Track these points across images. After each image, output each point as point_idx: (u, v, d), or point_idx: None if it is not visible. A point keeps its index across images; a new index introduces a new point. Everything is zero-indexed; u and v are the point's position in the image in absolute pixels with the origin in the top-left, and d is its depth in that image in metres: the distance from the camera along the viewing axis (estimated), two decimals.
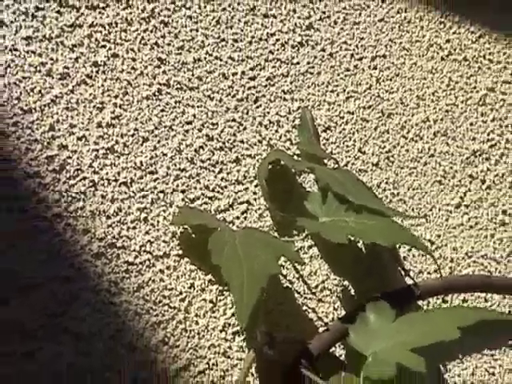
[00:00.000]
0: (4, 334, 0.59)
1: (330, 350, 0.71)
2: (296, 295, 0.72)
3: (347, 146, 0.78)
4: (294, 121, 0.75)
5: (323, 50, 0.78)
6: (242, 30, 0.74)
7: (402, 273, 0.77)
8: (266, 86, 0.75)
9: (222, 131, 0.71)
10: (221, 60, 0.73)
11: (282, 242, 0.70)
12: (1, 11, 0.63)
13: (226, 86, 0.72)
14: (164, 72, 0.70)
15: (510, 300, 0.82)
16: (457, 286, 0.79)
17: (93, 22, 0.67)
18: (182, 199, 0.68)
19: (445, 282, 0.77)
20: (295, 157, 0.74)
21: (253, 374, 0.68)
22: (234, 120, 0.72)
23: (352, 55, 0.80)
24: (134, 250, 0.65)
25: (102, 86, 0.67)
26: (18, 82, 0.63)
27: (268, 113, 0.74)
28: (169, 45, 0.70)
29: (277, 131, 0.74)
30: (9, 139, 0.62)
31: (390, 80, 0.81)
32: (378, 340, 0.66)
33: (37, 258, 0.61)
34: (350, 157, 0.78)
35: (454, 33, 0.86)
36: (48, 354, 0.60)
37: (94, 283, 0.63)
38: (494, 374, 0.80)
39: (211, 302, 0.67)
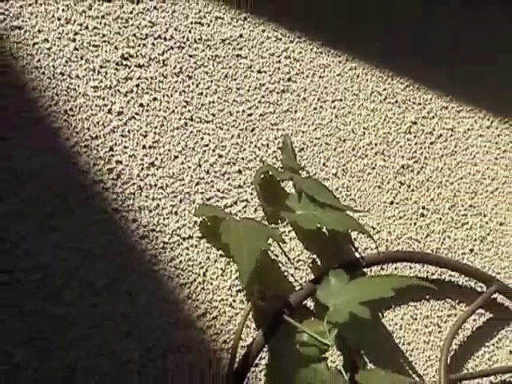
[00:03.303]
0: (78, 290, 0.60)
1: (304, 303, 0.71)
2: (280, 264, 0.72)
3: (315, 162, 0.78)
4: (278, 144, 0.75)
5: (298, 95, 0.78)
6: (243, 81, 0.74)
7: (353, 249, 0.77)
8: (259, 120, 0.74)
9: (228, 151, 0.71)
10: (228, 102, 0.72)
11: (270, 227, 0.70)
12: (76, 69, 0.63)
13: (231, 120, 0.72)
14: (189, 110, 0.69)
15: (427, 268, 0.83)
16: (391, 258, 0.79)
17: (139, 76, 0.67)
18: (201, 198, 0.68)
19: (382, 256, 0.78)
20: (279, 169, 0.74)
21: (250, 319, 0.68)
22: (237, 143, 0.72)
23: (318, 99, 0.80)
24: (168, 234, 0.65)
25: (146, 120, 0.67)
26: (88, 118, 0.63)
27: (261, 138, 0.74)
28: (192, 91, 0.70)
29: (267, 151, 0.74)
30: (81, 157, 0.62)
31: (345, 116, 0.81)
32: (336, 296, 0.66)
33: (101, 238, 0.62)
34: (317, 169, 0.78)
35: (388, 83, 0.86)
36: (107, 306, 0.61)
37: (139, 256, 0.63)
38: (416, 318, 0.81)
39: (221, 269, 0.68)
